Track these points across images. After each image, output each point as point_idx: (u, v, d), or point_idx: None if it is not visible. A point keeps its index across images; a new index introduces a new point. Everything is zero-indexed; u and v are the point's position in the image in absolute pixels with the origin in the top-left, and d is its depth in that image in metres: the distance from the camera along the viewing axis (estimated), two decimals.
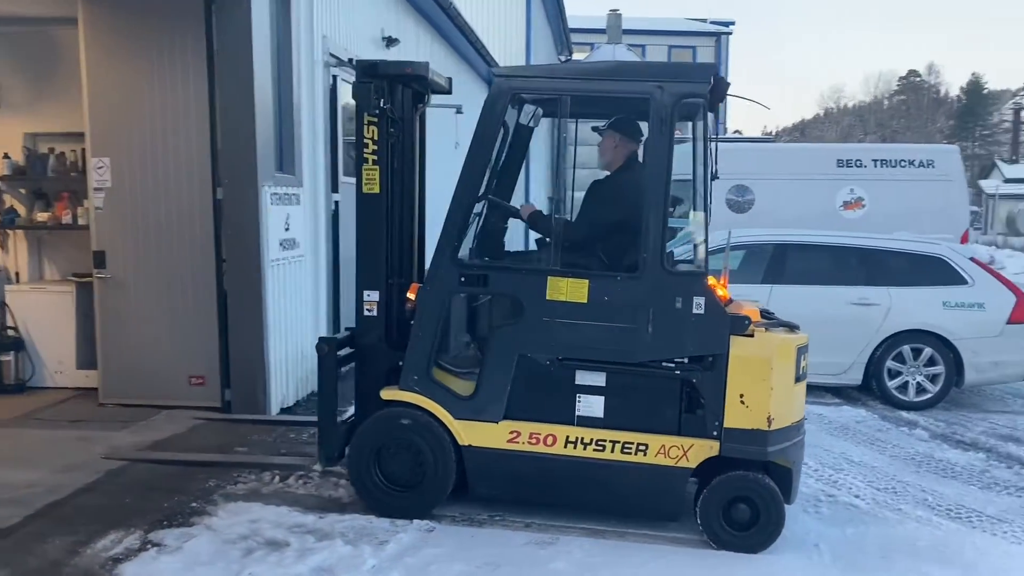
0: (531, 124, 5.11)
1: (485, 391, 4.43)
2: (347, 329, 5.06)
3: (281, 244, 6.60)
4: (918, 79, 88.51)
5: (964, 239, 11.19)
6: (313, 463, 5.01)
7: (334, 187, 7.67)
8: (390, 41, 9.16)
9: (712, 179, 4.35)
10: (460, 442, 4.44)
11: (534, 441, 4.38)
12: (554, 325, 4.33)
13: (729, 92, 4.50)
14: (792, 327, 4.59)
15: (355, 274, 4.77)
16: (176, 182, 6.38)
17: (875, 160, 11.17)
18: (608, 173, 4.83)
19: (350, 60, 7.76)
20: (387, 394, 4.53)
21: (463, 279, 4.45)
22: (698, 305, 4.20)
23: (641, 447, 4.30)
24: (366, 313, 4.71)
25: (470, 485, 4.53)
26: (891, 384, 7.57)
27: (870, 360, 7.56)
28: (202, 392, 6.48)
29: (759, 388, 4.22)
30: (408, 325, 4.61)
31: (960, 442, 6.59)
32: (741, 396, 4.22)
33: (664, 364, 4.29)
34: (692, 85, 4.24)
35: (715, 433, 4.24)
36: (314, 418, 6.47)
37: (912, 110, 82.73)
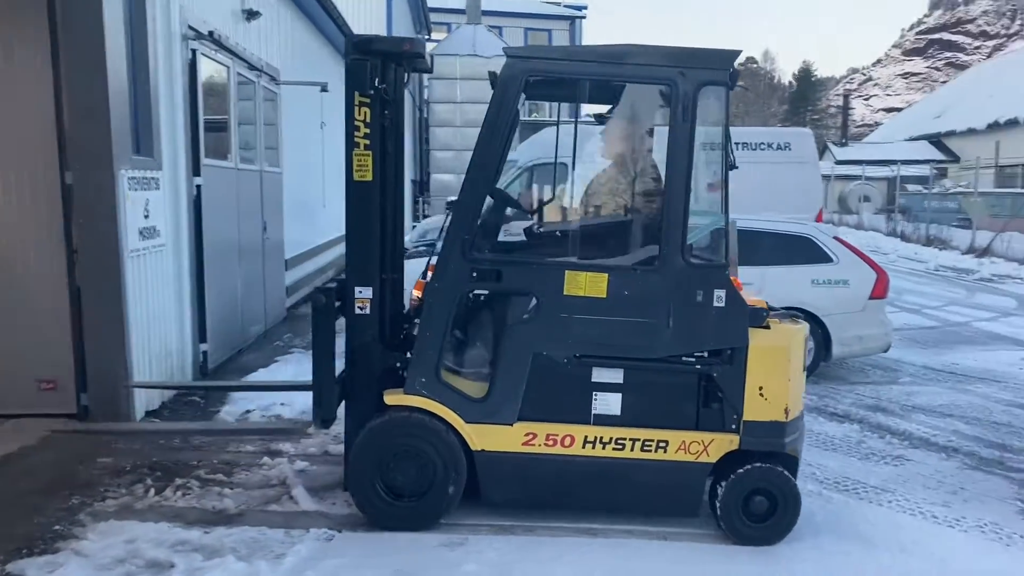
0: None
1: (499, 392, 4.19)
2: (334, 280, 4.63)
3: (141, 233, 6.04)
4: (755, 65, 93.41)
5: (819, 217, 11.72)
6: (307, 426, 4.78)
7: (195, 170, 7.10)
8: (251, 14, 8.60)
9: (730, 168, 4.25)
10: (472, 447, 4.19)
11: (551, 443, 4.19)
12: (572, 321, 4.14)
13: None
14: (794, 316, 4.59)
15: (346, 269, 4.34)
16: (16, 167, 5.72)
17: (738, 143, 11.44)
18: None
19: (210, 33, 7.21)
20: (392, 399, 4.21)
21: (475, 275, 4.16)
22: (719, 298, 4.11)
23: (661, 444, 4.19)
24: (358, 311, 4.30)
25: (482, 491, 4.28)
26: None
27: None
28: (54, 398, 5.87)
29: (778, 380, 4.20)
30: (400, 323, 4.35)
31: (834, 414, 6.87)
32: (760, 389, 4.17)
33: (684, 359, 4.18)
34: (714, 72, 4.10)
35: (734, 427, 4.20)
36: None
37: (751, 95, 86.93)
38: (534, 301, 4.19)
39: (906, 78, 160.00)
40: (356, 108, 4.20)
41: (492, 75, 4.18)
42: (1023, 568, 4.15)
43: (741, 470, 4.19)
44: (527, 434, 4.19)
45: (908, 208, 31.19)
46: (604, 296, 4.12)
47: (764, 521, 4.21)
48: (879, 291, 7.82)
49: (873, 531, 4.44)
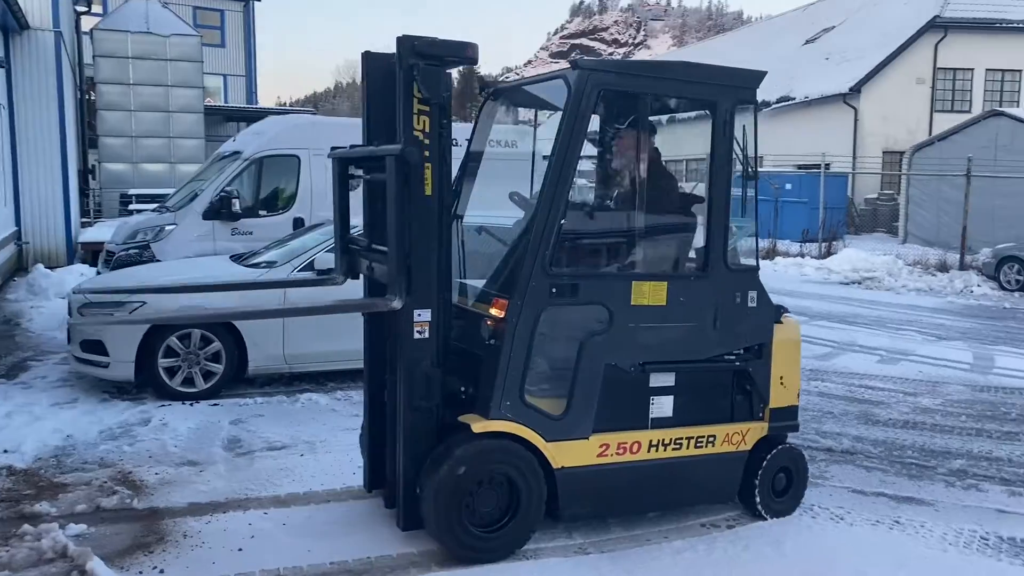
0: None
1: (576, 407, 4.14)
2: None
3: None
4: None
5: None
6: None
7: None
8: None
9: (751, 178, 4.61)
10: (554, 465, 4.10)
11: (622, 451, 4.28)
12: (638, 330, 4.23)
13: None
14: (782, 309, 4.85)
15: (402, 291, 3.89)
16: None
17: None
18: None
19: None
20: (479, 426, 3.95)
21: (554, 290, 4.02)
22: (752, 299, 4.48)
23: (710, 439, 4.48)
24: (417, 336, 3.96)
25: (561, 509, 4.18)
26: None
27: None
28: None
29: (793, 369, 4.73)
30: (450, 344, 4.10)
31: None
32: (781, 378, 4.66)
33: (725, 357, 4.48)
34: (747, 91, 4.40)
35: (761, 415, 4.64)
36: None
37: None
38: (606, 313, 4.16)
39: None
40: (415, 117, 3.86)
41: (481, 81, 3.97)
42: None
43: (772, 453, 4.65)
44: (601, 446, 4.22)
45: None
46: (664, 304, 4.26)
47: (785, 494, 4.74)
48: None
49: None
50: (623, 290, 4.20)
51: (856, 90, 26.94)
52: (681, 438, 4.40)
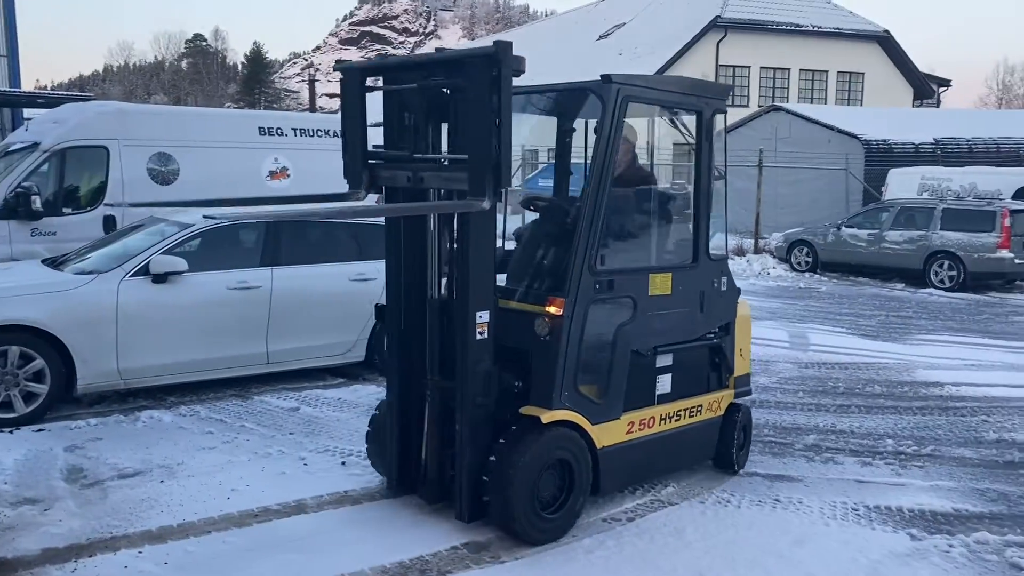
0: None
1: (612, 391, 4.58)
2: None
3: None
4: (205, 43, 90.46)
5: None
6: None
7: None
8: None
9: (718, 179, 5.16)
10: (597, 446, 4.49)
11: (643, 427, 4.79)
12: (654, 317, 4.75)
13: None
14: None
15: (491, 191, 3.97)
16: None
17: (295, 129, 10.94)
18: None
19: None
20: (547, 416, 4.26)
21: (597, 287, 4.42)
22: (724, 283, 5.17)
23: (698, 408, 5.13)
24: (478, 337, 4.17)
25: (602, 485, 4.58)
26: None
27: (372, 334, 7.48)
28: None
29: (747, 340, 5.54)
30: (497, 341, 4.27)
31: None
32: (740, 350, 5.40)
33: (706, 336, 5.14)
34: (722, 102, 5.06)
35: (727, 383, 5.34)
36: None
37: (202, 74, 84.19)
38: (632, 304, 4.63)
39: None
40: None
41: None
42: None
43: (738, 414, 5.37)
44: (628, 423, 4.70)
45: None
46: (670, 293, 4.81)
47: (743, 449, 5.46)
48: None
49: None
50: (644, 283, 4.72)
51: None
52: (680, 410, 5.02)
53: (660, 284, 4.76)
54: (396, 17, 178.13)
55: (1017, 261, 13.60)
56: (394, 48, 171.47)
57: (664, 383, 4.90)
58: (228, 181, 9.86)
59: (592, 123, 4.73)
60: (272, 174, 10.74)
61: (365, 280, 7.39)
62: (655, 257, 5.07)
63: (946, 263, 14.14)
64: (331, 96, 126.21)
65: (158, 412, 6.41)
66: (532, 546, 4.24)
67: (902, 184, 17.85)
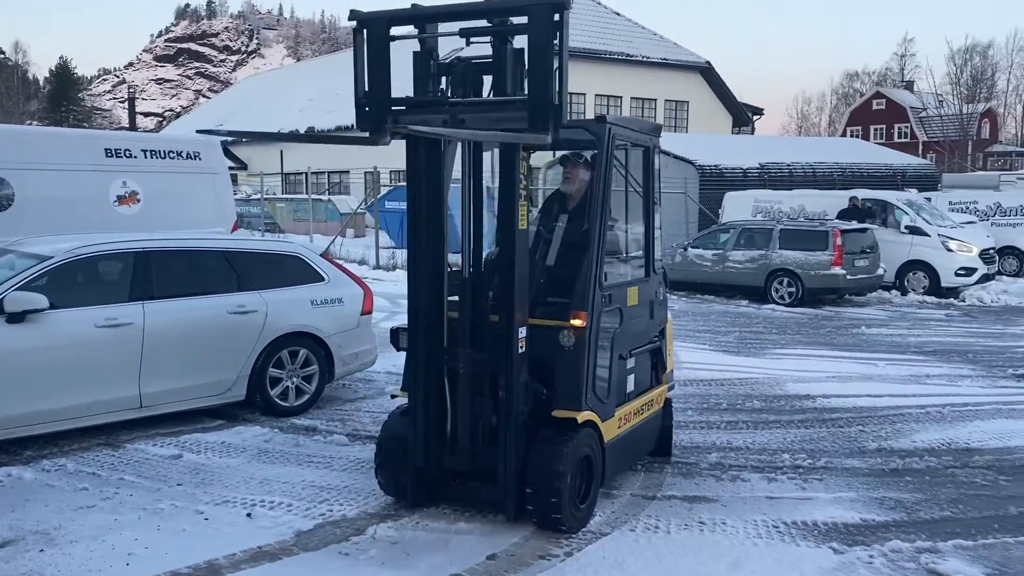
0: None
1: (611, 391, 5.17)
2: None
3: None
4: (3, 56, 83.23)
5: (234, 230, 11.16)
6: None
7: None
8: None
9: (656, 202, 5.77)
10: (604, 440, 5.06)
11: (626, 421, 5.41)
12: (630, 324, 5.38)
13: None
14: None
15: (508, 314, 4.63)
16: None
17: (145, 150, 10.16)
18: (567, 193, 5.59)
19: None
20: (581, 417, 4.80)
21: (603, 300, 4.98)
22: (663, 292, 6.00)
23: (650, 403, 5.82)
24: (520, 351, 4.65)
25: (606, 476, 5.17)
26: (274, 392, 7.15)
27: (253, 371, 6.99)
28: None
29: (671, 340, 6.27)
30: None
31: (370, 437, 6.67)
32: (669, 349, 6.15)
33: (653, 338, 5.86)
34: (659, 138, 5.79)
35: (662, 379, 6.05)
36: None
37: (2, 90, 77.43)
38: (619, 314, 5.23)
39: (160, 83, 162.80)
40: (521, 163, 4.60)
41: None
42: None
43: (671, 407, 6.22)
44: (620, 419, 5.30)
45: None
46: (637, 303, 5.49)
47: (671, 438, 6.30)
48: (368, 307, 7.85)
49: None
50: (625, 295, 5.32)
51: None
52: (643, 405, 5.67)
53: (632, 296, 5.43)
54: (216, 35, 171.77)
55: (849, 277, 14.67)
56: (215, 66, 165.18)
57: (631, 382, 5.51)
58: (70, 206, 9.04)
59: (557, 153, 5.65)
60: (120, 199, 9.94)
61: (245, 313, 6.92)
62: (630, 272, 5.65)
63: (785, 280, 15.05)
64: (145, 115, 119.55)
65: (16, 469, 5.68)
66: (571, 535, 4.73)
67: (737, 206, 18.88)
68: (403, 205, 25.35)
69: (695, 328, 12.55)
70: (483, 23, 4.48)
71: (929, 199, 19.11)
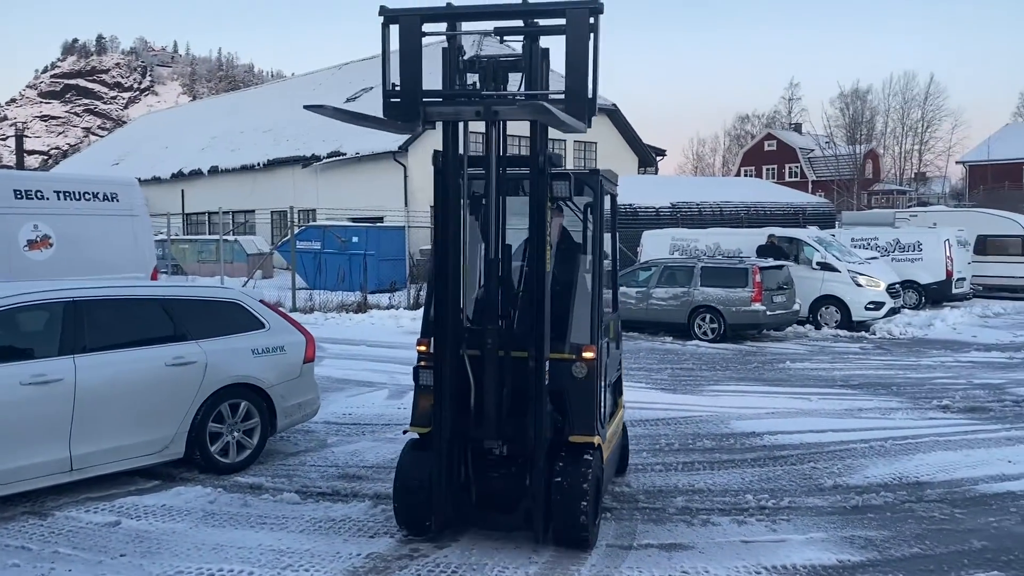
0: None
1: (603, 416, 5.56)
2: None
3: None
4: None
5: (154, 276, 10.57)
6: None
7: None
8: None
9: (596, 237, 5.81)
10: (603, 461, 5.47)
11: (610, 441, 5.85)
12: (612, 353, 6.00)
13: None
14: None
15: (539, 351, 4.97)
16: None
17: (58, 192, 9.52)
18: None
19: None
20: (597, 440, 5.27)
21: (603, 334, 5.46)
22: (619, 327, 6.79)
23: (619, 426, 6.60)
24: (547, 383, 5.00)
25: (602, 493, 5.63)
26: (214, 448, 6.71)
27: (192, 426, 6.54)
28: None
29: (622, 369, 6.98)
30: None
31: (322, 494, 6.33)
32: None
33: (619, 365, 6.69)
34: (616, 186, 6.10)
35: (621, 404, 6.79)
36: None
37: None
38: (607, 345, 5.75)
39: (45, 120, 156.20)
40: (550, 215, 5.06)
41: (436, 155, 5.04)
42: None
43: (627, 428, 7.11)
44: (609, 440, 5.78)
45: None
46: (613, 336, 6.18)
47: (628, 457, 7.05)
48: (310, 354, 7.51)
49: None
50: (609, 327, 5.83)
51: (404, 149, 28.51)
52: (616, 426, 6.21)
53: (611, 328, 5.95)
54: (107, 71, 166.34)
55: (768, 313, 15.03)
56: (105, 103, 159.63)
57: (610, 405, 5.93)
58: None
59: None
60: (31, 243, 9.29)
61: (184, 364, 6.50)
62: (609, 306, 6.06)
63: (708, 316, 15.31)
64: (30, 153, 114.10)
65: None
66: (588, 551, 5.12)
67: (655, 244, 19.23)
68: (315, 245, 25.03)
69: (628, 365, 12.55)
70: (512, 23, 5.00)
71: (834, 235, 19.90)
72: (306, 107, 4.62)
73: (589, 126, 4.78)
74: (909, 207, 41.40)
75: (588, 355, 5.22)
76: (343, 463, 7.18)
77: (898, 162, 63.22)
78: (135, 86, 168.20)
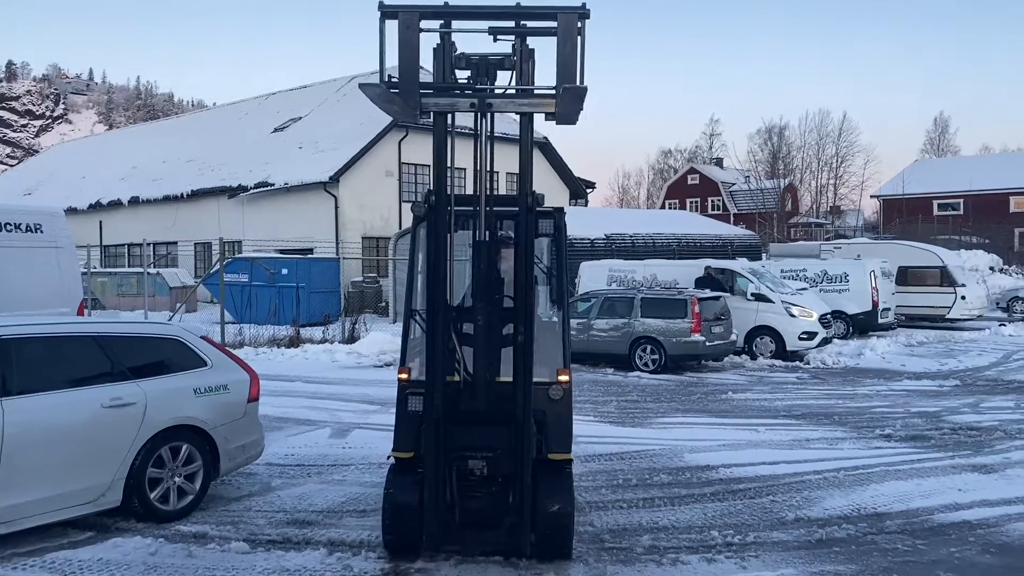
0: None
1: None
2: None
3: None
4: None
5: (80, 311, 9.99)
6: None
7: None
8: None
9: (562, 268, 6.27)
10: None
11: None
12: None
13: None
14: None
15: (526, 384, 5.33)
16: None
17: None
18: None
19: None
20: (571, 457, 5.78)
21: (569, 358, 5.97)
22: None
23: None
24: (533, 408, 5.47)
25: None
26: (154, 495, 6.28)
27: (131, 472, 6.12)
28: None
29: None
30: None
31: (272, 542, 5.97)
32: None
33: None
34: (564, 217, 6.08)
35: None
36: None
37: None
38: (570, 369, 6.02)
39: None
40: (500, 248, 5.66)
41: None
42: None
43: None
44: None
45: None
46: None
47: None
48: (255, 393, 7.15)
49: None
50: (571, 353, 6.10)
51: (335, 179, 28.13)
52: None
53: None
54: (17, 98, 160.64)
55: (707, 344, 15.15)
56: (15, 131, 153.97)
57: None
58: None
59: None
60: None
61: (122, 406, 6.10)
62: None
63: (648, 347, 15.34)
64: None
65: None
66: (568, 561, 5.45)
67: (593, 276, 19.26)
68: (243, 278, 24.32)
69: (573, 397, 12.42)
70: (504, 23, 5.26)
71: (764, 267, 20.28)
72: (362, 85, 5.06)
73: (576, 119, 5.29)
74: (827, 239, 42.80)
75: (563, 378, 5.72)
76: (291, 508, 6.82)
77: (815, 196, 65.53)
78: (47, 114, 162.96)
